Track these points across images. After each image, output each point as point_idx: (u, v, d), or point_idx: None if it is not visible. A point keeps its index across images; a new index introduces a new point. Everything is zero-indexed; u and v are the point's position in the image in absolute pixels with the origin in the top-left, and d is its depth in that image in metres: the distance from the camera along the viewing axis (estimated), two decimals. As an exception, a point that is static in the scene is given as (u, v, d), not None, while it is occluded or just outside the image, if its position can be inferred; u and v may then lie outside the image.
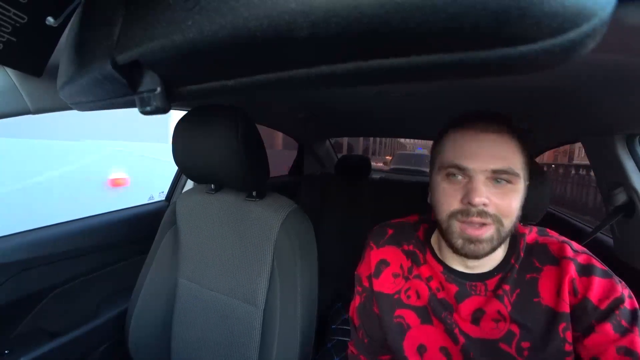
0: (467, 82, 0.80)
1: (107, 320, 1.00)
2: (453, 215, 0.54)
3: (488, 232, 0.52)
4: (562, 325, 0.54)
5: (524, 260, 0.59)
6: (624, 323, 0.52)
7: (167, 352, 0.89)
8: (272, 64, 0.24)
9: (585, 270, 0.55)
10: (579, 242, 0.62)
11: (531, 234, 0.62)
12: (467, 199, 0.52)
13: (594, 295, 0.53)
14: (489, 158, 0.52)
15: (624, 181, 0.98)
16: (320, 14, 0.18)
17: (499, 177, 0.52)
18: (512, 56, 0.17)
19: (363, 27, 0.18)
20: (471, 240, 0.53)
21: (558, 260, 0.56)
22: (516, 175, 0.53)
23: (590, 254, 0.58)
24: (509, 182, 0.53)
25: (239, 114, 0.73)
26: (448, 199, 0.55)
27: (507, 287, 0.57)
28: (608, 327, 0.52)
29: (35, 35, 0.46)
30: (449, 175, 0.55)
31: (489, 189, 0.52)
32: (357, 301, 0.75)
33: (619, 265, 0.54)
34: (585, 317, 0.53)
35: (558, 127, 1.15)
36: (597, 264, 0.56)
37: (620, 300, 0.53)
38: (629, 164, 0.96)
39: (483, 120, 0.55)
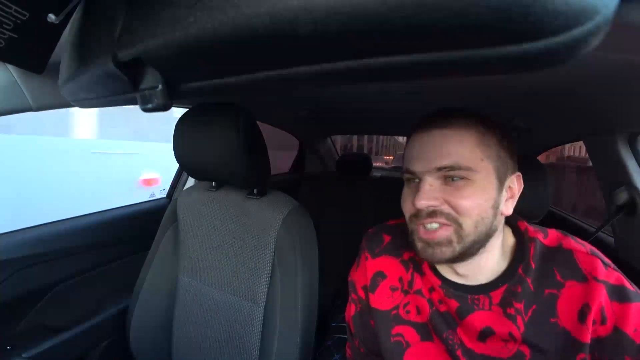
0: (467, 80, 0.80)
1: (109, 316, 1.01)
2: (411, 219, 0.52)
3: (443, 233, 0.48)
4: (580, 356, 0.48)
5: (541, 269, 0.52)
6: None
7: (168, 349, 0.89)
8: (274, 61, 0.24)
9: (618, 295, 0.47)
10: None
11: (549, 237, 0.55)
12: (416, 203, 0.49)
13: (629, 326, 0.46)
14: (435, 156, 0.49)
15: (625, 180, 0.97)
16: (322, 11, 0.18)
17: (447, 174, 0.48)
18: (515, 54, 0.17)
19: (365, 24, 0.18)
20: (429, 244, 0.50)
21: (585, 277, 0.49)
22: (466, 169, 0.48)
23: (618, 269, 0.51)
24: (463, 177, 0.48)
25: (240, 112, 0.73)
26: (406, 203, 0.54)
27: (520, 306, 0.51)
28: None
29: (36, 32, 0.45)
30: (408, 180, 0.54)
31: (442, 188, 0.49)
32: (352, 310, 0.71)
33: (619, 265, 0.53)
34: (617, 352, 0.46)
35: (560, 126, 1.15)
36: (628, 284, 0.49)
37: None
38: (631, 163, 0.96)
39: (436, 118, 0.52)
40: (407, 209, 0.53)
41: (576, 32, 0.16)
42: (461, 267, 0.54)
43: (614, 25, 0.17)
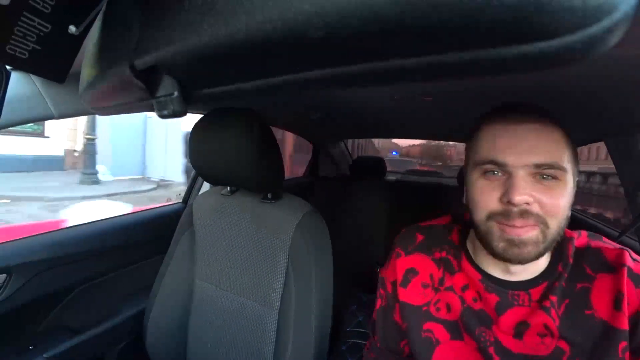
0: (484, 81, 0.78)
1: (126, 318, 1.03)
2: (491, 216, 0.48)
3: (532, 232, 0.46)
4: (622, 345, 0.46)
5: (574, 267, 0.52)
6: None
7: (184, 352, 0.90)
8: (288, 66, 0.25)
9: None
10: None
11: (581, 237, 0.55)
12: (506, 198, 0.46)
13: None
14: (529, 151, 0.46)
15: None
16: (334, 15, 0.18)
17: (543, 172, 0.46)
18: (531, 53, 0.17)
19: (378, 27, 0.18)
20: (514, 243, 0.47)
21: (614, 268, 0.49)
22: (563, 169, 0.46)
23: None
24: (554, 177, 0.47)
25: (254, 117, 0.74)
26: (485, 198, 0.49)
27: (554, 298, 0.50)
28: None
29: (58, 44, 0.47)
30: (486, 172, 0.49)
31: (532, 185, 0.46)
32: (378, 303, 0.71)
33: None
34: (637, 335, 0.46)
35: (581, 126, 1.11)
36: None
37: None
38: None
39: (521, 110, 0.50)
40: (486, 205, 0.49)
41: (593, 29, 0.15)
42: (518, 266, 0.52)
43: (635, 21, 0.17)
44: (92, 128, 7.49)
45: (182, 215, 0.97)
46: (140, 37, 0.29)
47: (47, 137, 9.06)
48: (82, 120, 8.95)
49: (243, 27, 0.21)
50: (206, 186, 1.38)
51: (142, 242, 1.14)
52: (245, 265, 0.82)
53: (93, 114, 0.58)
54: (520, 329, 0.52)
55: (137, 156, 9.53)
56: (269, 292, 0.78)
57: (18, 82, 0.63)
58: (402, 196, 1.83)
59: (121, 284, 1.07)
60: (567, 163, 0.47)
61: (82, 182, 7.61)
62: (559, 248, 0.53)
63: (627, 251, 0.51)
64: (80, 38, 0.48)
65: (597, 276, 0.50)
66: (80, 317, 0.94)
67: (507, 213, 0.47)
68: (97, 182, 7.76)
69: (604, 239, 0.55)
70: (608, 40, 0.16)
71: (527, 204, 0.46)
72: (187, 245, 0.93)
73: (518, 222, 0.46)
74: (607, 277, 0.49)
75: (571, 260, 0.52)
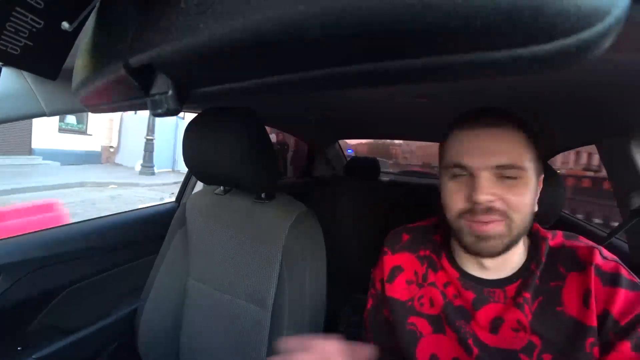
0: (478, 82, 0.79)
1: (118, 319, 1.02)
2: (461, 214, 0.53)
3: (496, 227, 0.51)
4: (589, 341, 0.49)
5: (547, 265, 0.55)
6: None
7: (176, 352, 0.90)
8: (284, 66, 0.25)
9: (611, 280, 0.50)
10: None
11: (556, 238, 0.59)
12: (472, 198, 0.51)
13: (616, 308, 0.49)
14: (491, 154, 0.51)
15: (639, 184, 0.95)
16: (330, 16, 0.18)
17: (504, 172, 0.51)
18: (525, 56, 0.17)
19: (374, 28, 0.18)
20: (481, 238, 0.51)
21: (584, 266, 0.52)
22: (523, 169, 0.51)
23: (621, 262, 0.53)
24: (516, 177, 0.51)
25: (249, 116, 0.73)
26: (454, 199, 0.54)
27: (527, 295, 0.54)
28: (627, 346, 0.48)
29: (50, 40, 0.47)
30: (454, 175, 0.54)
31: (495, 185, 0.51)
32: (369, 303, 0.74)
33: (633, 270, 0.52)
34: (604, 330, 0.49)
35: (572, 129, 1.13)
36: (626, 274, 0.51)
37: None
38: None
39: (485, 116, 0.54)
40: (455, 205, 0.54)
41: (586, 33, 0.16)
42: (491, 261, 0.56)
43: (627, 26, 0.17)
44: (152, 130, 9.25)
45: (175, 215, 0.96)
46: (136, 35, 0.28)
47: (90, 134, 10.77)
48: (117, 120, 11.17)
49: (239, 27, 0.21)
50: (200, 185, 1.37)
51: (134, 242, 1.13)
52: (238, 265, 0.82)
53: (86, 111, 0.57)
54: (495, 324, 0.55)
55: (169, 152, 11.16)
56: (263, 291, 0.77)
57: (9, 79, 0.62)
58: (396, 197, 1.84)
59: (113, 284, 1.06)
60: (527, 162, 0.52)
61: (141, 173, 9.31)
62: (533, 247, 0.58)
63: (598, 249, 0.54)
64: (73, 35, 0.47)
65: (568, 275, 0.53)
66: (71, 318, 0.93)
67: (473, 211, 0.51)
68: (153, 173, 9.48)
69: (581, 238, 0.58)
70: (601, 44, 0.16)
71: (491, 202, 0.50)
72: (180, 244, 0.92)
73: (484, 217, 0.50)
74: (577, 276, 0.53)
75: (544, 259, 0.56)
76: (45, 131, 9.26)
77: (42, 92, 0.66)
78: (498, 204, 0.50)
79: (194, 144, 0.77)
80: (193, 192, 1.24)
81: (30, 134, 8.87)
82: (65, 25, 0.41)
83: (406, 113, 1.31)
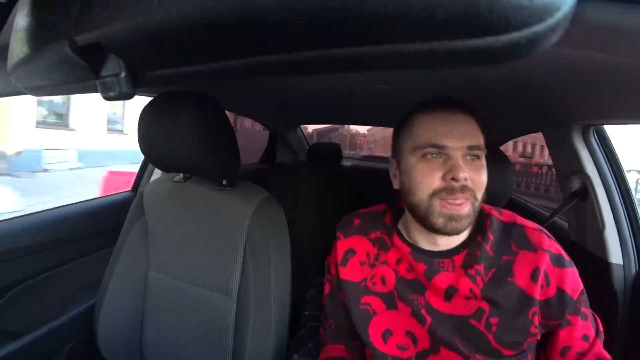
0: (434, 72, 0.82)
1: (74, 317, 0.96)
2: (435, 193, 0.55)
3: (467, 207, 0.55)
4: (532, 310, 0.56)
5: (500, 240, 0.61)
6: (584, 310, 0.59)
7: (139, 347, 0.87)
8: (243, 49, 0.24)
9: (558, 261, 0.58)
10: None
11: (504, 215, 0.64)
12: (450, 176, 0.53)
13: (568, 286, 0.56)
14: (463, 135, 0.55)
15: (579, 169, 1.04)
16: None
17: (472, 153, 0.56)
18: (480, 48, 0.18)
19: (335, 14, 0.18)
20: (452, 218, 0.54)
21: (535, 248, 0.58)
22: (483, 150, 0.57)
23: (557, 242, 0.61)
24: (479, 157, 0.57)
25: (207, 101, 0.71)
26: (427, 179, 0.56)
27: (480, 267, 0.59)
28: (578, 319, 0.58)
29: (-20, 13, 0.42)
30: (426, 155, 0.57)
31: (465, 165, 0.55)
32: (326, 289, 0.77)
33: (572, 247, 0.58)
34: (561, 308, 0.57)
35: (520, 118, 1.21)
36: (564, 254, 0.59)
37: (583, 290, 0.58)
38: (584, 153, 1.03)
39: (449, 103, 0.59)
40: (431, 184, 0.55)
41: (538, 27, 0.17)
42: (443, 238, 0.61)
43: (573, 23, 0.18)
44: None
45: (132, 204, 0.92)
46: (82, 10, 0.26)
47: (127, 134, 11.42)
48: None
49: (197, 7, 0.20)
50: (157, 173, 1.31)
51: (88, 234, 1.07)
52: (201, 254, 0.80)
53: (25, 94, 0.52)
54: (449, 292, 0.60)
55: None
56: (227, 280, 0.77)
57: None
58: (358, 181, 1.87)
59: (66, 281, 1.00)
60: (483, 146, 0.58)
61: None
62: (478, 222, 0.63)
63: (544, 233, 0.61)
64: (7, 6, 0.42)
65: (519, 252, 0.59)
66: (19, 320, 0.86)
67: (450, 189, 0.54)
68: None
69: (524, 219, 0.65)
70: (550, 38, 0.17)
71: (466, 179, 0.54)
72: (138, 235, 0.88)
73: (459, 196, 0.54)
74: (528, 255, 0.58)
75: (490, 234, 0.61)
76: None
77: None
78: (469, 183, 0.54)
79: (150, 129, 0.73)
80: (150, 180, 1.19)
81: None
82: (-3, -4, 0.37)
83: (366, 99, 1.33)
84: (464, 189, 0.54)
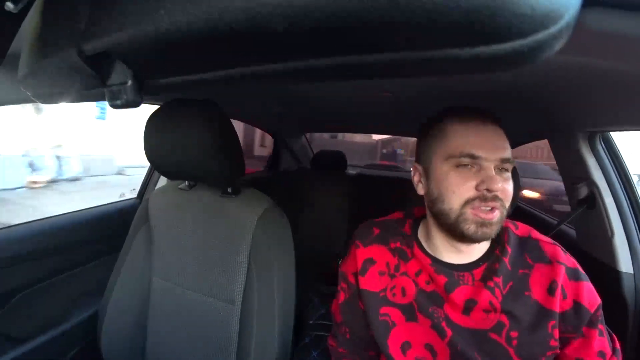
0: (441, 80, 0.82)
1: (77, 323, 0.96)
2: (468, 202, 0.55)
3: (497, 214, 0.55)
4: (551, 323, 0.56)
5: (516, 254, 0.61)
6: (601, 327, 0.58)
7: (142, 354, 0.87)
8: (249, 57, 0.24)
9: (574, 275, 0.58)
10: (545, 233, 0.65)
11: (520, 229, 0.65)
12: (484, 186, 0.54)
13: (585, 299, 0.56)
14: (496, 148, 0.56)
15: (585, 176, 1.03)
16: (297, 8, 0.18)
17: (503, 165, 0.56)
18: (484, 55, 0.18)
19: (339, 22, 0.18)
20: (484, 224, 0.54)
21: (550, 261, 0.59)
22: (512, 163, 0.57)
23: (572, 257, 0.61)
24: (507, 170, 0.57)
25: (213, 109, 0.71)
26: (461, 188, 0.56)
27: (499, 280, 0.59)
28: (595, 333, 0.57)
29: (-8, 22, 0.43)
30: (459, 165, 0.57)
31: (497, 176, 0.55)
32: (341, 298, 0.75)
33: (580, 255, 0.58)
34: (578, 322, 0.56)
35: (525, 125, 1.20)
36: (580, 268, 0.59)
37: (600, 305, 0.57)
38: (590, 160, 1.02)
39: (481, 114, 0.59)
40: (465, 193, 0.56)
41: (541, 35, 0.17)
42: (466, 245, 0.61)
43: (576, 30, 0.18)
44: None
45: (137, 211, 0.92)
46: (90, 20, 0.27)
47: None
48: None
49: (202, 16, 0.20)
50: (163, 180, 1.32)
51: (94, 241, 1.07)
52: (205, 261, 0.80)
53: (34, 101, 0.53)
54: (469, 305, 0.59)
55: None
56: (231, 288, 0.76)
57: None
58: (362, 189, 1.87)
59: (71, 286, 1.00)
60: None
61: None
62: (496, 236, 0.62)
63: (559, 246, 0.61)
64: (19, 16, 0.43)
65: (534, 265, 0.59)
66: (25, 325, 0.87)
67: (483, 197, 0.54)
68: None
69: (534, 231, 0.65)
70: (553, 45, 0.17)
71: (499, 190, 0.54)
72: (143, 242, 0.88)
73: (491, 204, 0.54)
74: (543, 268, 0.59)
75: (508, 247, 0.61)
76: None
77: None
78: (500, 194, 0.55)
79: (156, 137, 0.73)
80: (156, 188, 1.20)
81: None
82: (9, 5, 0.38)
83: (371, 107, 1.33)
84: (495, 198, 0.54)
